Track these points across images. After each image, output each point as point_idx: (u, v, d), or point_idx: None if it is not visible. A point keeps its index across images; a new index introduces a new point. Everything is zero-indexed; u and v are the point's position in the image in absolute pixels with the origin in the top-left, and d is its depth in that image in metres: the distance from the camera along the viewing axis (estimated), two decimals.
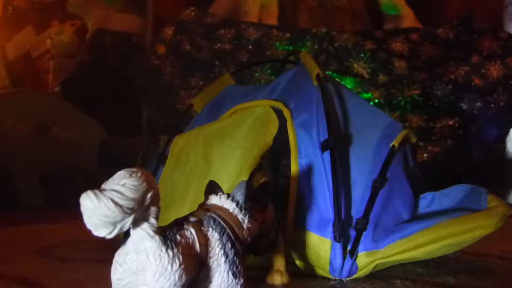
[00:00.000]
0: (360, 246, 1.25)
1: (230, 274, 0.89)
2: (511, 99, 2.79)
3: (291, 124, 1.39)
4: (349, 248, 1.24)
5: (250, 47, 3.08)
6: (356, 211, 1.28)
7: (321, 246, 1.25)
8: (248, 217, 0.95)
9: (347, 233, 1.25)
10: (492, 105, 2.80)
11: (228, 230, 0.91)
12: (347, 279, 1.25)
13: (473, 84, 2.83)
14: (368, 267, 1.25)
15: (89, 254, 0.86)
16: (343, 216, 1.25)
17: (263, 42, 3.07)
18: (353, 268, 1.24)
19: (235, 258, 0.90)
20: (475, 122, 2.81)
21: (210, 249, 0.87)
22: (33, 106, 3.25)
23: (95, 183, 0.73)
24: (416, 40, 3.01)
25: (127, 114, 3.69)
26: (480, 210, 1.36)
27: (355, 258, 1.24)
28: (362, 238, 1.25)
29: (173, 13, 3.45)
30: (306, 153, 1.35)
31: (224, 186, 1.39)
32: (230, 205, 0.94)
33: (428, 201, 1.51)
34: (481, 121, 2.81)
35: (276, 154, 1.68)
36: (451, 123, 2.81)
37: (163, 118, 3.24)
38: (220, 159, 1.41)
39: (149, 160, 1.63)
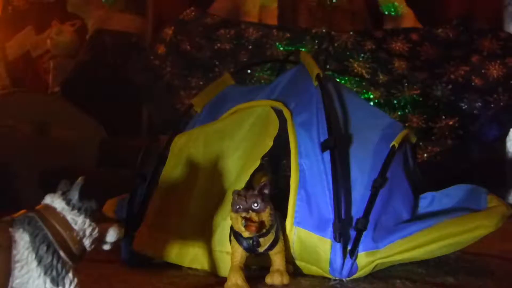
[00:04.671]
0: (360, 246, 1.25)
1: (48, 280, 0.80)
2: (511, 99, 2.79)
3: (291, 124, 1.40)
4: (349, 248, 1.24)
5: (250, 47, 3.07)
6: (356, 211, 1.28)
7: (321, 246, 1.25)
8: (85, 217, 0.85)
9: (347, 233, 1.25)
10: (492, 105, 2.79)
11: (46, 231, 0.81)
12: (347, 279, 1.25)
13: (473, 84, 2.83)
14: (368, 267, 1.25)
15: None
16: (343, 216, 1.25)
17: (263, 42, 3.07)
18: (353, 268, 1.24)
19: (54, 262, 0.81)
20: (475, 122, 2.80)
21: (15, 252, 0.79)
22: (33, 106, 3.24)
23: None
24: (416, 40, 3.00)
25: (127, 114, 3.69)
26: (480, 210, 1.36)
27: (355, 258, 1.24)
28: (362, 238, 1.24)
29: (173, 13, 3.45)
30: (306, 153, 1.34)
31: (224, 186, 1.40)
32: (59, 204, 0.85)
33: (428, 201, 1.51)
34: (481, 121, 2.81)
35: (276, 154, 1.68)
36: (451, 123, 2.81)
37: (163, 118, 3.23)
38: (220, 159, 1.41)
39: (149, 160, 1.63)
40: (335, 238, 1.23)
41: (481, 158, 2.87)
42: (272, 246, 1.20)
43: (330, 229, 1.24)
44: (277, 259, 1.22)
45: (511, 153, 3.28)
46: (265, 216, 1.15)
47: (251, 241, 1.17)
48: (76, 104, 3.44)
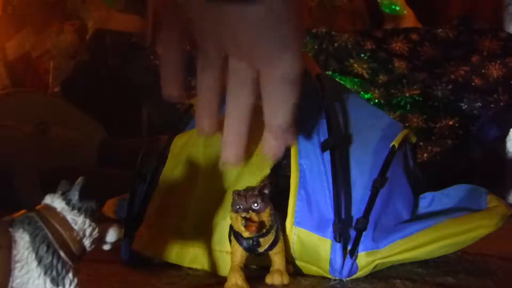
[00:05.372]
0: (360, 246, 1.25)
1: (48, 280, 0.79)
2: (511, 99, 2.78)
3: None
4: (349, 248, 1.24)
5: None
6: (356, 211, 1.28)
7: (321, 246, 1.25)
8: (85, 217, 0.84)
9: (347, 233, 1.25)
10: (492, 105, 2.79)
11: (46, 231, 0.80)
12: (347, 279, 1.25)
13: (473, 84, 2.82)
14: (368, 267, 1.25)
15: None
16: (343, 216, 1.25)
17: None
18: (353, 268, 1.24)
19: (54, 262, 0.79)
20: (475, 122, 2.80)
21: (15, 252, 0.78)
22: (33, 106, 3.24)
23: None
24: (416, 40, 2.99)
25: (127, 114, 3.69)
26: (480, 210, 1.36)
27: (355, 258, 1.24)
28: (362, 238, 1.25)
29: None
30: (306, 153, 1.34)
31: (224, 186, 1.40)
32: (59, 204, 0.84)
33: (428, 201, 1.51)
34: (481, 121, 2.80)
35: None
36: (451, 123, 2.80)
37: (163, 118, 3.23)
38: (220, 159, 1.41)
39: (149, 160, 1.63)
40: (335, 238, 1.23)
41: (481, 158, 2.86)
42: (272, 246, 1.20)
43: (330, 229, 1.24)
44: (277, 259, 1.22)
45: (511, 153, 3.28)
46: (265, 216, 1.15)
47: (251, 241, 1.17)
48: (76, 104, 3.44)
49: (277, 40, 0.83)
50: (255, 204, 1.13)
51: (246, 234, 1.14)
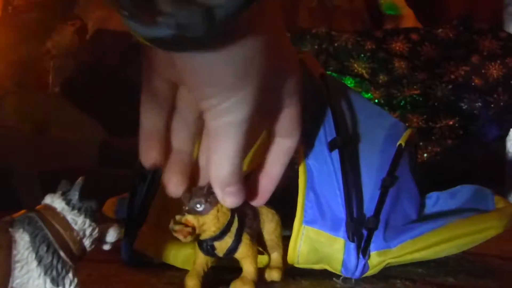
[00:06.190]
0: (372, 246, 1.23)
1: (48, 280, 0.78)
2: (511, 99, 2.78)
3: None
4: (361, 247, 1.22)
5: None
6: (366, 210, 1.27)
7: (333, 245, 1.23)
8: (85, 217, 0.83)
9: (360, 232, 1.23)
10: (492, 105, 2.78)
11: (46, 231, 0.79)
12: (347, 278, 1.24)
13: (473, 84, 2.82)
14: (378, 267, 1.24)
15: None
16: (355, 215, 1.23)
17: None
18: (365, 268, 1.23)
19: (54, 262, 0.79)
20: (475, 122, 2.79)
21: (15, 252, 0.77)
22: (33, 106, 3.24)
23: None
24: (416, 40, 2.99)
25: (127, 114, 3.69)
26: (489, 211, 1.35)
27: (368, 258, 1.22)
28: (374, 238, 1.23)
29: None
30: (313, 153, 1.31)
31: None
32: (59, 204, 0.83)
33: (433, 201, 1.49)
34: (481, 121, 2.80)
35: None
36: (451, 123, 2.80)
37: None
38: None
39: None
40: (348, 238, 1.21)
41: (481, 158, 2.86)
42: (232, 251, 1.09)
43: (343, 228, 1.22)
44: (244, 265, 1.12)
45: (511, 153, 3.28)
46: (209, 219, 1.02)
47: (205, 244, 1.08)
48: (76, 104, 3.44)
49: (231, 80, 0.65)
50: (198, 205, 1.00)
51: (180, 238, 1.01)
